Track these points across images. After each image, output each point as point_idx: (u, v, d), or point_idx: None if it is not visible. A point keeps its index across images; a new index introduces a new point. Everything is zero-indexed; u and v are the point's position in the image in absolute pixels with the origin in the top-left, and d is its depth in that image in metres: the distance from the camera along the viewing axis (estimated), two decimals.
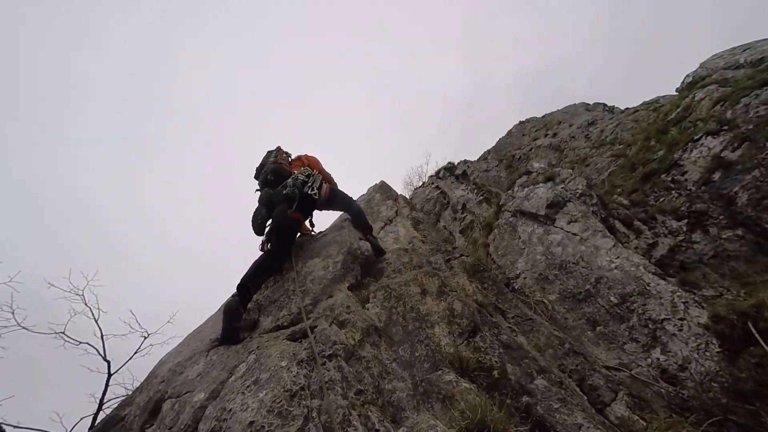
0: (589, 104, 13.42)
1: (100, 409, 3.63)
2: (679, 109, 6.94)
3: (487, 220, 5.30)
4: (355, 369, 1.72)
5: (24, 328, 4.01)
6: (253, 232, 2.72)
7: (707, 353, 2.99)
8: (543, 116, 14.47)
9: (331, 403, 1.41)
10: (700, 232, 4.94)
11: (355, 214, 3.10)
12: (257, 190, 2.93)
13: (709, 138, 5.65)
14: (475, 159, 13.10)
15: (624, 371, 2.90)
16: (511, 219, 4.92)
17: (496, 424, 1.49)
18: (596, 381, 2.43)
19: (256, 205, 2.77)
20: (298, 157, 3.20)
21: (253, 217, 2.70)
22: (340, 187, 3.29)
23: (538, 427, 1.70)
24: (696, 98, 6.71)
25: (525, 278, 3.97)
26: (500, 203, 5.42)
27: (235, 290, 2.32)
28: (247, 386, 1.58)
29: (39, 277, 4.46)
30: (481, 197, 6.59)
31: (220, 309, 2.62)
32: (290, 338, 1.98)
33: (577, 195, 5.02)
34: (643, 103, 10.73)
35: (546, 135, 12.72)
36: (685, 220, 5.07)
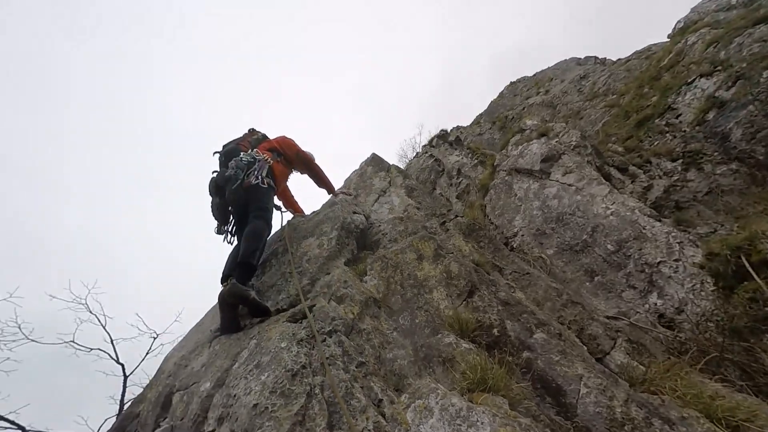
0: (580, 59, 12.94)
1: (121, 409, 3.74)
2: (671, 55, 6.78)
3: (483, 182, 5.24)
4: (355, 342, 1.72)
5: (32, 340, 4.06)
6: (217, 221, 2.54)
7: (702, 293, 2.95)
8: (534, 74, 13.97)
9: (332, 377, 1.40)
10: (695, 170, 4.93)
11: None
12: (214, 171, 2.66)
13: (702, 80, 5.60)
14: (468, 124, 12.81)
15: (623, 319, 2.91)
16: (506, 178, 4.84)
17: (497, 381, 1.49)
18: (595, 330, 2.44)
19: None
20: (269, 140, 2.92)
21: (211, 210, 2.52)
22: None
23: (539, 380, 1.70)
24: (689, 42, 6.59)
25: (523, 236, 3.96)
26: (495, 164, 5.33)
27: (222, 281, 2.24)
28: (249, 371, 1.58)
29: (40, 291, 4.45)
30: (476, 161, 6.49)
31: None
32: (290, 320, 1.97)
33: (572, 147, 4.92)
34: (634, 53, 10.36)
35: (538, 93, 12.37)
36: (680, 161, 5.05)
